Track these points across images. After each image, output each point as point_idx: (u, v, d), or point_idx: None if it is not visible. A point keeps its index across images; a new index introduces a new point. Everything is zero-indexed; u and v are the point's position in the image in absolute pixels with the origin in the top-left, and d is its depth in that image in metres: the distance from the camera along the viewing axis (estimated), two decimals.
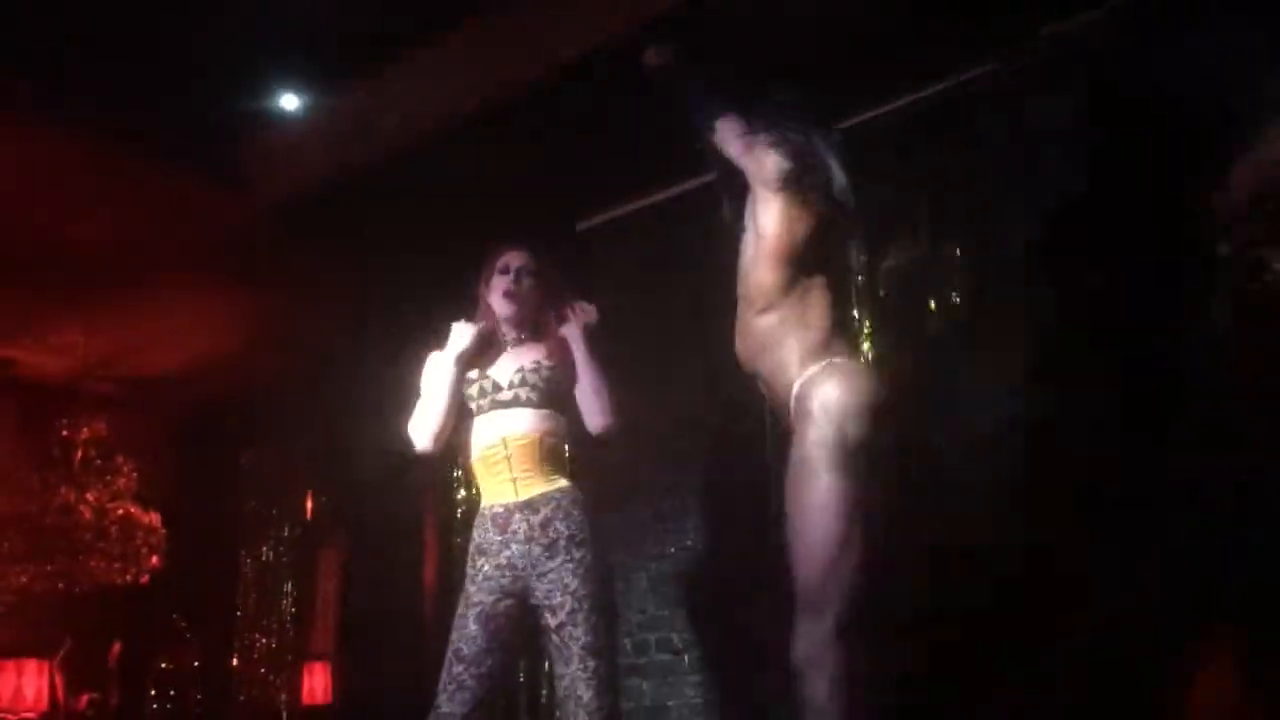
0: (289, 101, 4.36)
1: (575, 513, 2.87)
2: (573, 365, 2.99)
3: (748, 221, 2.60)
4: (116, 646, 6.29)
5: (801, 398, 2.40)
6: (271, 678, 6.51)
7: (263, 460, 6.75)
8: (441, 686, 2.81)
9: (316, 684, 6.26)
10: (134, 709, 6.37)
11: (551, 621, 2.78)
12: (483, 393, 2.97)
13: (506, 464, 2.89)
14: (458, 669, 2.80)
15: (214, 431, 6.82)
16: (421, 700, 4.72)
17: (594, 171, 4.31)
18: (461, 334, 3.06)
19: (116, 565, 5.41)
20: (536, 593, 2.81)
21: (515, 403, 2.92)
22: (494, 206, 4.54)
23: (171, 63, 4.09)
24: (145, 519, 5.53)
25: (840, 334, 2.55)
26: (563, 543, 2.82)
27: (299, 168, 4.56)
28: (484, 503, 2.96)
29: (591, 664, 2.73)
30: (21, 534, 5.29)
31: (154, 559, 5.54)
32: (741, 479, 3.90)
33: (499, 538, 2.86)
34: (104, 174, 4.56)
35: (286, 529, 6.58)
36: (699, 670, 4.02)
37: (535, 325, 3.10)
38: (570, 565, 2.79)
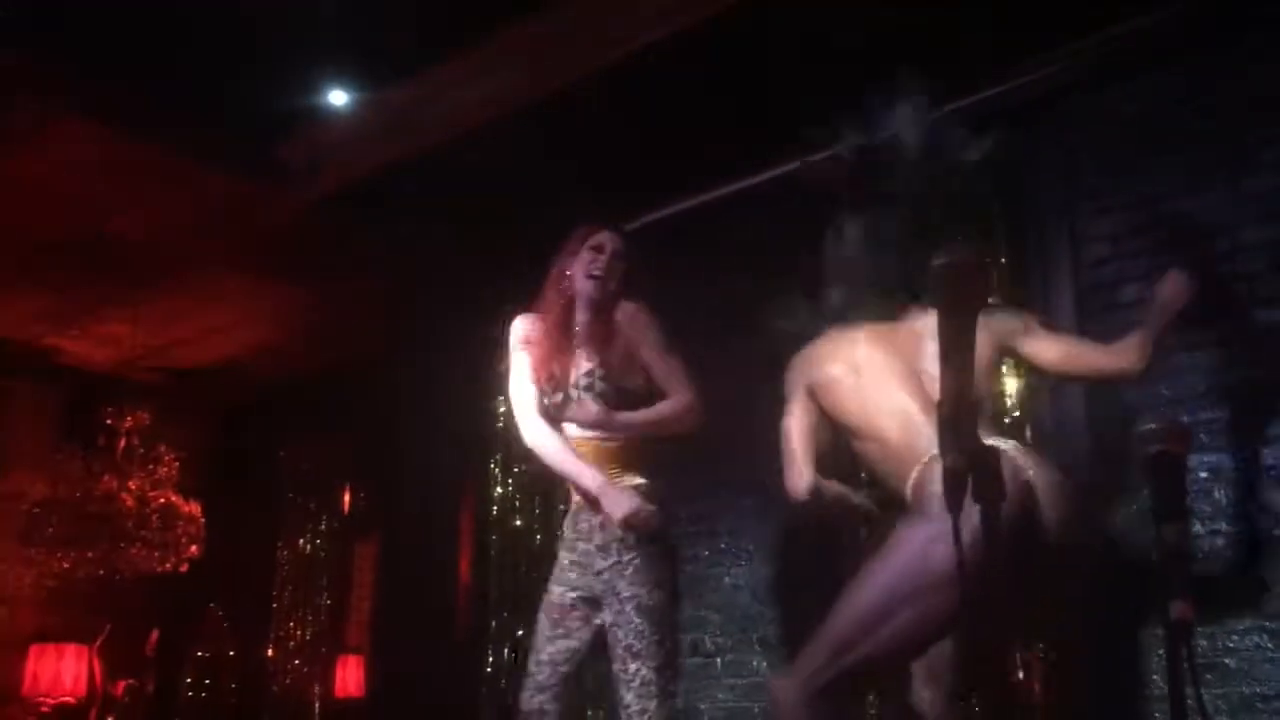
0: (337, 97, 4.39)
1: None
2: (640, 364, 2.91)
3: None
4: (154, 634, 6.38)
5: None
6: (306, 669, 6.57)
7: (302, 454, 6.82)
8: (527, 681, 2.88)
9: (350, 677, 6.31)
10: (170, 696, 6.45)
11: (604, 620, 2.80)
12: (560, 388, 2.90)
13: (586, 461, 2.86)
14: (533, 655, 2.88)
15: (255, 424, 6.90)
16: (451, 695, 4.79)
17: (639, 171, 4.32)
18: (522, 327, 3.01)
19: (157, 553, 5.44)
20: (595, 589, 2.83)
21: (579, 417, 2.87)
22: (537, 205, 4.57)
23: (220, 59, 4.12)
24: (186, 508, 5.56)
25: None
26: (615, 544, 2.80)
27: (346, 163, 4.59)
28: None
29: (633, 667, 2.70)
30: (65, 520, 5.34)
31: (193, 548, 5.57)
32: (778, 480, 3.88)
33: (572, 534, 2.91)
34: (153, 169, 4.61)
35: (324, 522, 6.64)
36: (732, 674, 4.01)
37: (604, 315, 2.96)
38: (620, 566, 2.78)
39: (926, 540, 2.15)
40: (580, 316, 2.99)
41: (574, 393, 2.88)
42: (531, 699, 2.82)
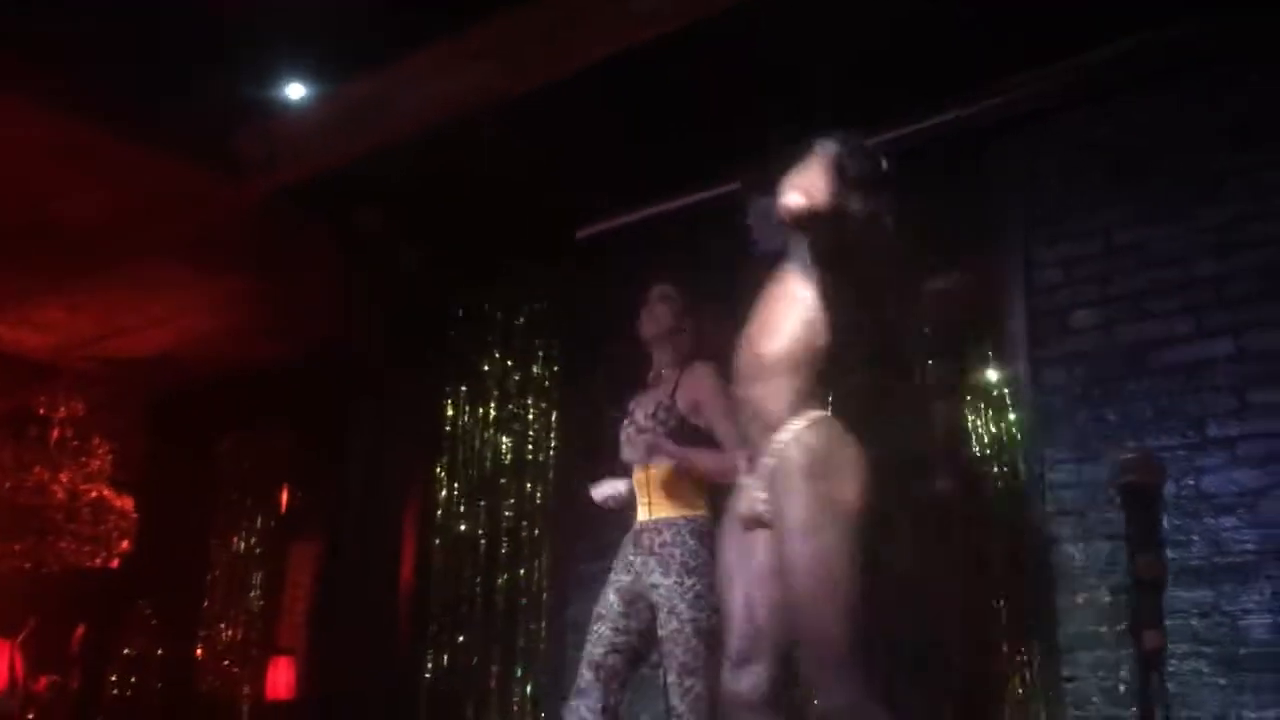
0: (295, 90, 4.33)
1: (692, 542, 3.03)
2: (698, 410, 3.13)
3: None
4: (80, 630, 6.22)
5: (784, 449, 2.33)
6: (235, 670, 6.44)
7: (239, 450, 6.69)
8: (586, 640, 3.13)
9: (281, 678, 6.20)
10: (94, 694, 6.29)
11: (660, 633, 3.01)
12: (631, 422, 3.22)
13: (645, 488, 3.15)
14: (596, 625, 3.10)
15: (190, 417, 6.75)
16: (388, 700, 4.72)
17: (596, 178, 4.32)
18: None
19: (87, 548, 5.35)
20: (651, 598, 3.04)
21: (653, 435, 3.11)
22: (492, 207, 4.56)
23: (180, 46, 4.06)
24: (118, 502, 5.47)
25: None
26: (675, 566, 3.01)
27: (302, 156, 4.53)
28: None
29: (688, 682, 2.93)
30: None
31: (124, 543, 5.48)
32: None
33: (631, 552, 3.14)
34: (100, 155, 4.52)
35: (260, 520, 6.53)
36: None
37: (670, 359, 3.27)
38: (679, 589, 2.98)
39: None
40: (655, 361, 3.32)
41: (644, 423, 3.16)
42: (578, 708, 3.01)
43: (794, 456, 2.29)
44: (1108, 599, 3.17)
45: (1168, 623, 2.83)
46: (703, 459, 3.03)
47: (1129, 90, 3.47)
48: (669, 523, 3.08)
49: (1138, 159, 3.42)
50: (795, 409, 2.34)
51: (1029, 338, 3.47)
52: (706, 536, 3.01)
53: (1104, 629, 3.15)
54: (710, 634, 2.91)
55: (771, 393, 2.36)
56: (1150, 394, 3.22)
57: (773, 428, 2.35)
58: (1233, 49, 3.27)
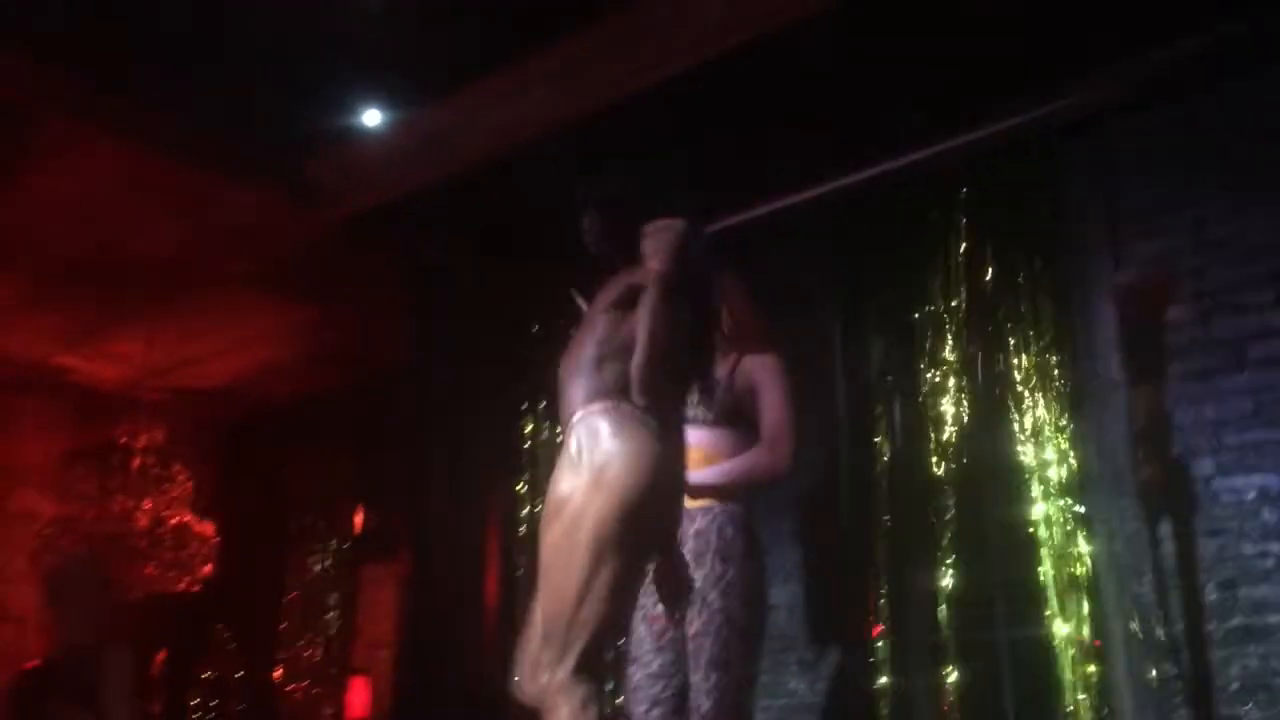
0: (370, 117, 4.39)
1: (729, 530, 2.94)
2: (754, 394, 3.09)
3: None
4: (161, 654, 6.30)
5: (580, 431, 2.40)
6: (314, 690, 6.50)
7: (311, 472, 6.77)
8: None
9: (357, 698, 6.26)
10: (175, 718, 6.37)
11: (689, 630, 2.87)
12: None
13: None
14: (637, 669, 2.98)
15: (267, 442, 6.85)
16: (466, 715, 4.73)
17: (665, 193, 4.33)
18: None
19: (170, 573, 5.42)
20: None
21: (693, 421, 2.96)
22: (561, 231, 4.58)
23: (253, 76, 4.12)
24: (199, 528, 5.55)
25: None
26: (709, 555, 2.89)
27: (374, 183, 4.59)
28: None
29: (715, 677, 2.79)
30: (75, 539, 5.30)
31: (206, 568, 5.55)
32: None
33: None
34: (180, 187, 4.59)
35: (334, 542, 6.59)
36: (768, 696, 3.99)
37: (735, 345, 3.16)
38: (711, 578, 2.86)
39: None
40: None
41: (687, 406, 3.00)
42: (649, 714, 2.89)
43: (580, 438, 2.36)
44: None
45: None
46: (739, 472, 2.99)
47: (1205, 84, 3.45)
48: (706, 510, 2.96)
49: (1217, 154, 3.39)
50: (594, 397, 2.42)
51: (1119, 336, 3.44)
52: (744, 525, 2.97)
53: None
54: (746, 630, 2.84)
55: (580, 382, 2.46)
56: (1250, 388, 3.19)
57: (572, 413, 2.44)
58: None
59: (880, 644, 3.78)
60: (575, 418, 2.42)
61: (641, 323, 2.42)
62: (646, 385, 2.39)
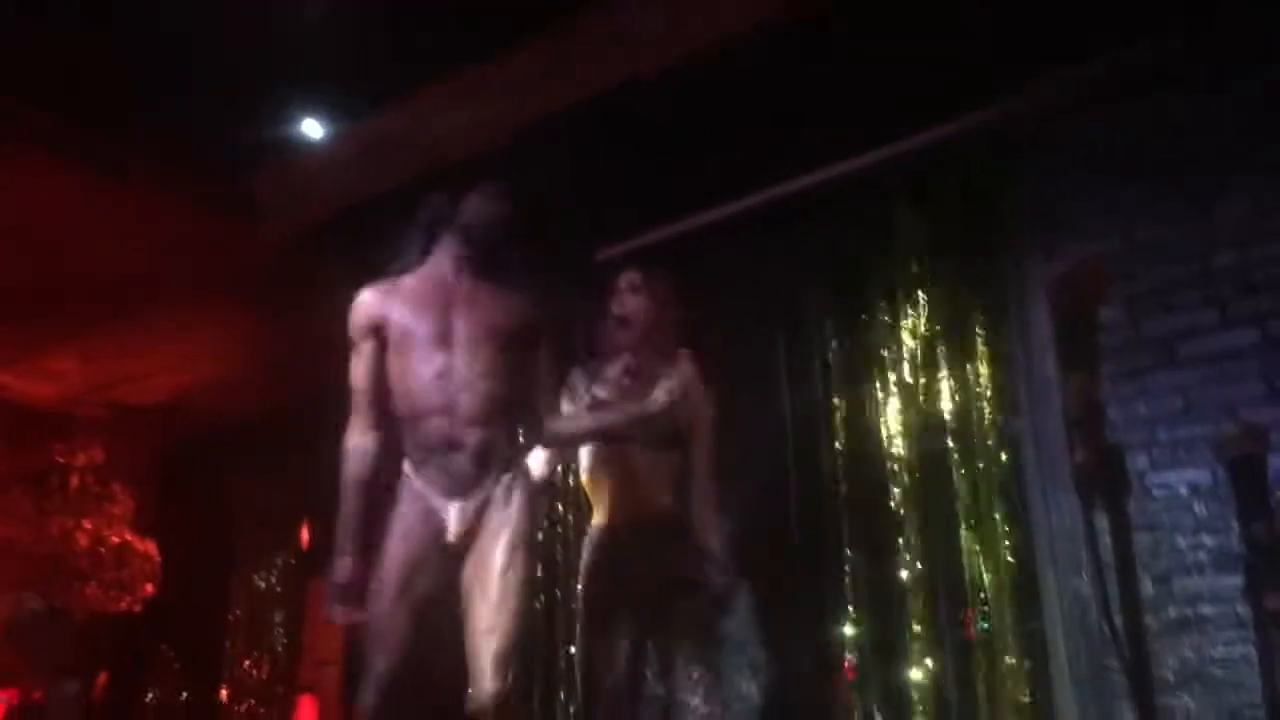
0: (310, 128, 4.36)
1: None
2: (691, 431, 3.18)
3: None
4: (103, 677, 6.19)
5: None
6: (261, 710, 6.43)
7: (258, 489, 6.69)
8: None
9: (304, 717, 6.19)
10: None
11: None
12: (596, 404, 3.23)
13: None
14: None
15: (209, 459, 6.75)
16: None
17: (614, 203, 4.36)
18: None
19: (111, 593, 5.33)
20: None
21: (634, 442, 3.14)
22: (508, 238, 4.57)
23: (186, 92, 4.08)
24: (141, 547, 5.46)
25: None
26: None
27: (311, 198, 4.56)
28: None
29: (696, 674, 2.95)
30: (13, 561, 5.21)
31: (148, 587, 5.47)
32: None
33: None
34: (119, 206, 4.53)
35: (280, 558, 6.52)
36: None
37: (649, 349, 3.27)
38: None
39: None
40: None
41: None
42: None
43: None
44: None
45: None
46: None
47: (1138, 92, 3.53)
48: None
49: (1147, 160, 3.48)
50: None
51: (1055, 336, 3.53)
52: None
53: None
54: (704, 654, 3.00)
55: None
56: (1181, 386, 3.29)
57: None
58: (1238, 48, 3.34)
59: (831, 642, 3.84)
60: None
61: None
62: None
